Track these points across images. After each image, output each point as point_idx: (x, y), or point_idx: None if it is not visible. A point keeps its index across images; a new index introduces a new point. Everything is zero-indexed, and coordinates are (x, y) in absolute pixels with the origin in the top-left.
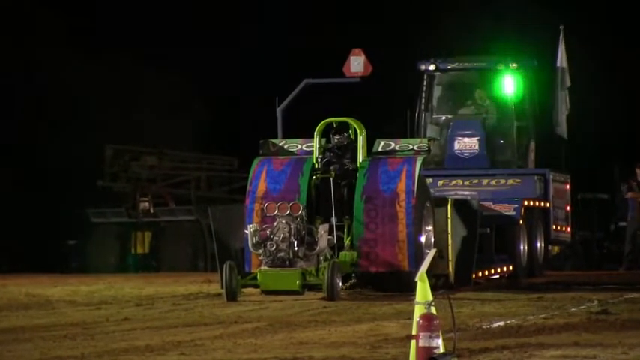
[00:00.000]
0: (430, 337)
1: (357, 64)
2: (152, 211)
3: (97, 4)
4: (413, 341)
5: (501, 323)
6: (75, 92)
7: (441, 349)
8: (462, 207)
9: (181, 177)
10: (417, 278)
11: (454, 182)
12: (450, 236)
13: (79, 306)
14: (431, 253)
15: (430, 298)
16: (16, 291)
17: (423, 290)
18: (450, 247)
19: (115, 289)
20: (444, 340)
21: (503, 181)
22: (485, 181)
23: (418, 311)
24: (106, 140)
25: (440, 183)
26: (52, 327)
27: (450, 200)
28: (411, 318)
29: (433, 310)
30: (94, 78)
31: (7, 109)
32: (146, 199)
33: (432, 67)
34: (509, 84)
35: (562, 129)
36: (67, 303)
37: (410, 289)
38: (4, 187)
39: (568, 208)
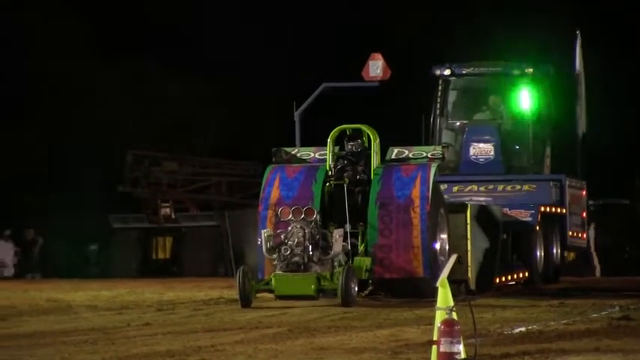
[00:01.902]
0: (451, 342)
1: (375, 68)
2: (173, 216)
3: (116, 8)
4: (434, 347)
5: (522, 329)
6: (98, 97)
7: (462, 355)
8: (483, 212)
9: (202, 182)
10: (437, 284)
11: (469, 188)
12: (469, 242)
13: (100, 311)
14: (451, 259)
15: (451, 303)
16: (37, 296)
17: (444, 296)
18: (469, 253)
19: (136, 294)
20: (465, 345)
21: (518, 187)
22: (500, 187)
23: (439, 317)
24: (127, 145)
25: (455, 189)
26: (73, 332)
27: (469, 206)
28: (432, 324)
29: (454, 315)
30: (116, 83)
31: (29, 113)
32: (167, 204)
33: (447, 72)
34: (524, 89)
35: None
36: (88, 308)
37: (425, 295)
38: (26, 191)
39: (584, 214)
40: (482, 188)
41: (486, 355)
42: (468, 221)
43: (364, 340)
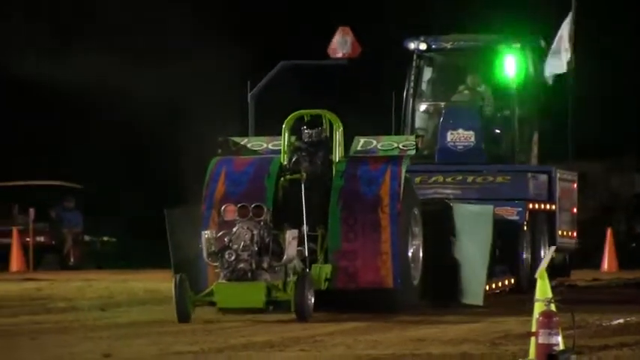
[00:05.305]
0: (550, 334)
1: (344, 44)
2: None
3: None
4: (533, 338)
5: (621, 321)
6: (182, 95)
7: (561, 347)
8: (470, 212)
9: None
10: (536, 275)
11: (434, 179)
12: (453, 247)
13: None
14: (550, 251)
15: (550, 295)
16: (135, 287)
17: (542, 287)
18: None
19: None
20: (563, 337)
21: (491, 179)
22: (470, 178)
23: (538, 308)
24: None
25: (417, 180)
26: (170, 323)
27: (452, 205)
28: (530, 315)
29: (553, 307)
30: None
31: (122, 114)
32: None
33: (422, 46)
34: (510, 67)
35: (561, 64)
36: None
37: (395, 308)
38: (121, 186)
39: (575, 210)
40: (449, 179)
41: (584, 346)
42: (453, 222)
43: (460, 332)
